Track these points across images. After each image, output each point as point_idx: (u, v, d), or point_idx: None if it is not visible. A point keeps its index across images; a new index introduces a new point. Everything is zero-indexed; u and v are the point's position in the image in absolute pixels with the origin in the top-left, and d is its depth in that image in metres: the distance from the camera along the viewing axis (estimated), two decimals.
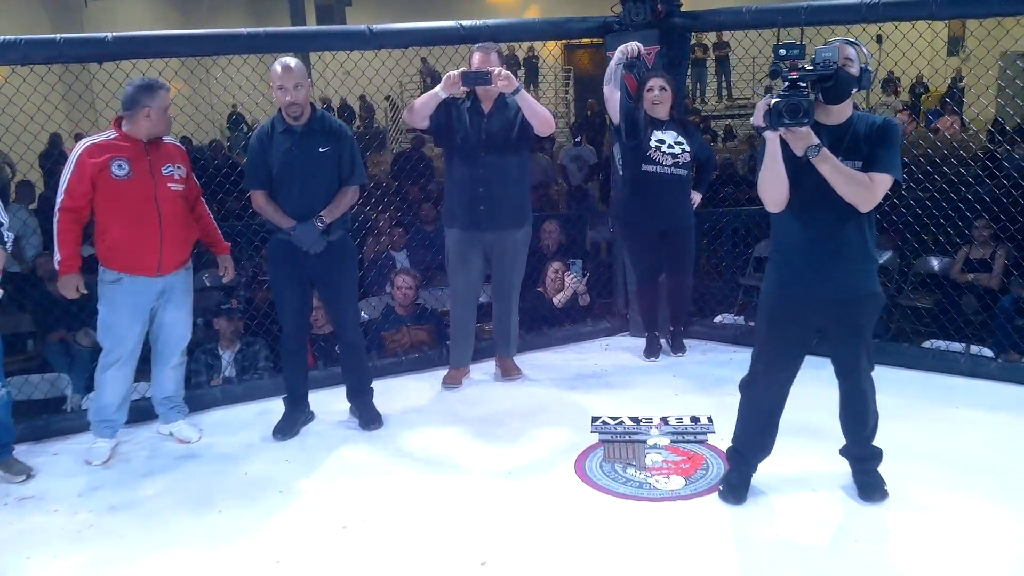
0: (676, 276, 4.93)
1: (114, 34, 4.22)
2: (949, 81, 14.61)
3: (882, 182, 2.75)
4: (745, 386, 3.12)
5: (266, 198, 3.90)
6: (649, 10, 4.85)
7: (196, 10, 19.34)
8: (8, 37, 4.09)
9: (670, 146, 4.66)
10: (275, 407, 4.18)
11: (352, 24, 18.94)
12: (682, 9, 5.05)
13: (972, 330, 5.57)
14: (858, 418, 3.06)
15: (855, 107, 2.88)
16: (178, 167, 3.85)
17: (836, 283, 2.86)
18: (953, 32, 14.35)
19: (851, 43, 2.79)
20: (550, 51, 18.33)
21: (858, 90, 2.80)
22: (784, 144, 2.73)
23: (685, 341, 5.11)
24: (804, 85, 2.65)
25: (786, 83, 2.65)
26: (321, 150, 3.87)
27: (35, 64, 4.25)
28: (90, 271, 3.86)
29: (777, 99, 2.63)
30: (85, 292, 3.77)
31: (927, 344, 5.03)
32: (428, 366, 4.90)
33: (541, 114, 4.28)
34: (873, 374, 3.04)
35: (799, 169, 2.76)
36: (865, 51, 2.81)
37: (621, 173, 4.90)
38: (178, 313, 3.93)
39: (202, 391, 4.55)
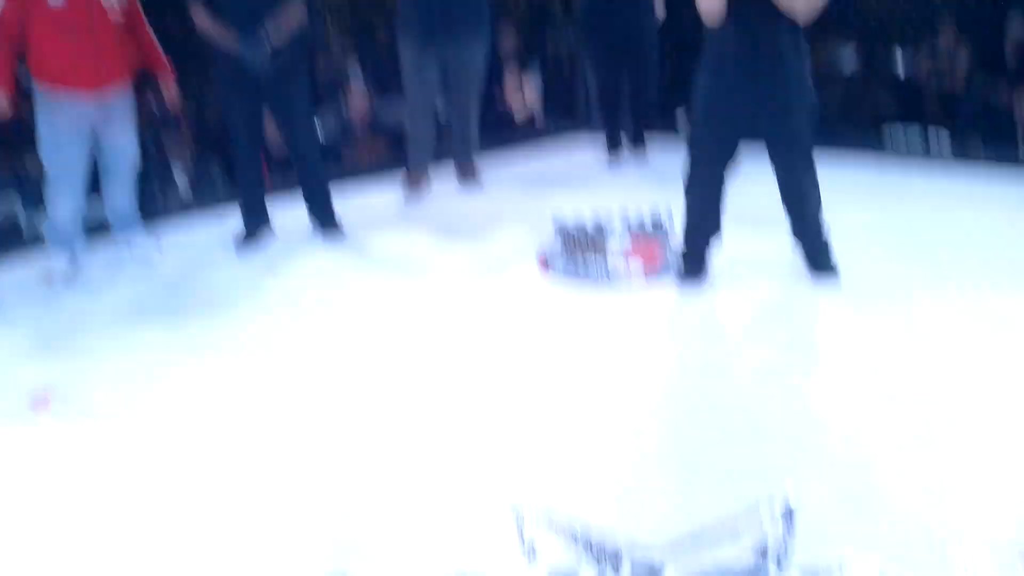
0: (638, 75, 4.85)
1: None
2: None
3: None
4: (687, 190, 3.14)
5: (207, 13, 3.73)
6: None
7: None
8: None
9: None
10: (232, 218, 4.12)
11: None
12: None
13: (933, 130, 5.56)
14: (800, 196, 3.08)
15: None
16: None
17: (771, 83, 2.88)
18: None
19: None
20: None
21: None
22: None
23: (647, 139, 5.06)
24: None
25: None
26: None
27: None
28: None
29: None
30: (12, 114, 3.60)
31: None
32: (388, 179, 4.84)
33: None
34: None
35: None
36: None
37: None
38: (123, 139, 3.80)
39: (156, 204, 4.48)
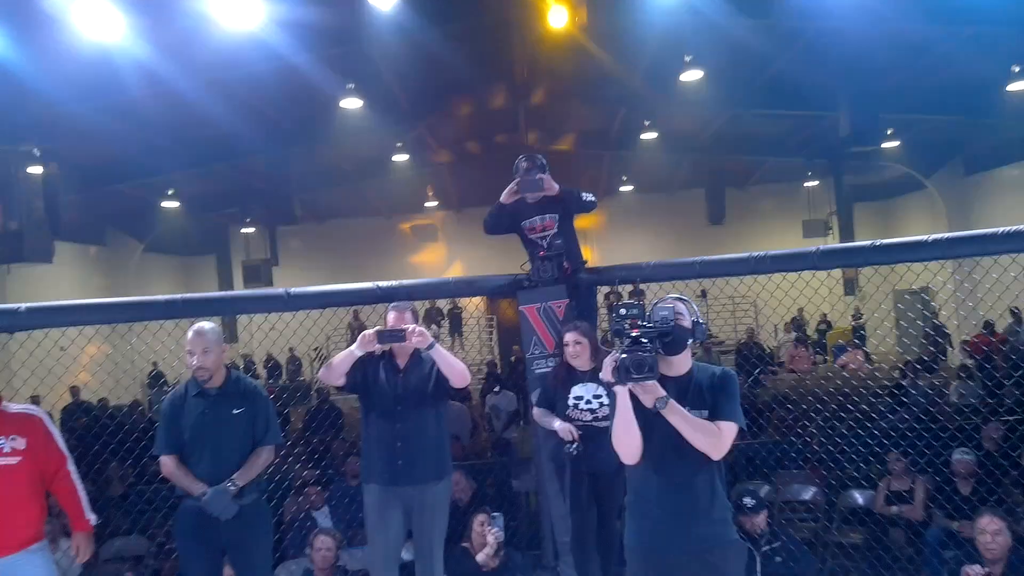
0: (606, 519, 4.86)
1: (28, 305, 4.26)
2: (851, 318, 15.61)
3: (729, 430, 2.91)
4: None
5: (176, 463, 3.83)
6: (556, 267, 5.13)
7: (123, 271, 19.65)
8: None
9: (587, 402, 4.73)
10: None
11: (278, 283, 19.53)
12: (587, 266, 5.37)
13: (902, 565, 5.55)
14: None
15: (693, 356, 3.08)
16: (13, 439, 3.64)
17: (695, 535, 2.92)
18: (847, 275, 15.50)
19: (681, 299, 3.05)
20: (472, 302, 19.03)
21: (693, 341, 3.00)
22: (634, 397, 2.87)
23: None
24: (646, 341, 2.81)
25: (628, 340, 2.82)
26: (235, 412, 3.87)
27: None
28: None
29: (623, 355, 2.79)
30: None
31: None
32: None
33: (456, 367, 4.37)
34: None
35: (650, 422, 2.89)
36: (694, 305, 3.06)
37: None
38: None
39: None
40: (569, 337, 4.79)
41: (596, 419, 4.71)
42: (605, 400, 4.73)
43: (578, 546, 4.97)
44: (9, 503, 3.58)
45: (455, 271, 22.11)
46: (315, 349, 15.54)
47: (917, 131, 16.41)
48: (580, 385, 4.77)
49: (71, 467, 3.84)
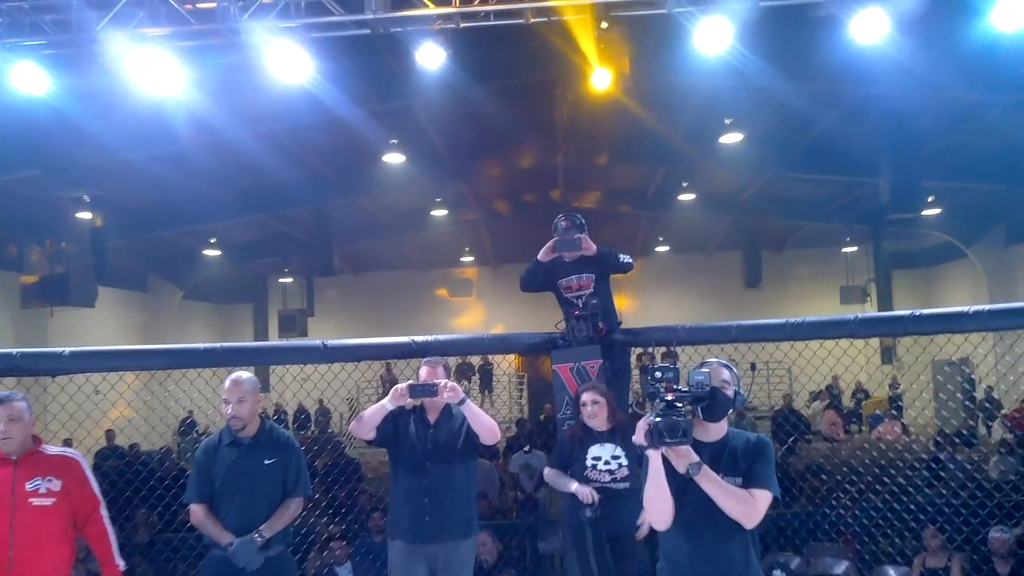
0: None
1: (71, 349, 4.34)
2: (888, 387, 15.32)
3: (762, 498, 2.88)
4: None
5: (206, 512, 3.85)
6: (591, 327, 5.12)
7: (162, 317, 19.95)
8: None
9: (606, 462, 4.70)
10: None
11: (313, 333, 19.69)
12: (622, 327, 5.36)
13: None
14: None
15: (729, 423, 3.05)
16: (50, 480, 3.68)
17: None
18: (884, 343, 15.28)
19: (726, 366, 3.02)
20: (506, 359, 19.02)
21: (733, 409, 2.97)
22: (667, 462, 2.84)
23: None
24: (680, 405, 2.80)
25: (663, 403, 2.80)
26: (266, 462, 3.89)
27: None
28: None
29: (657, 419, 2.77)
30: None
31: None
32: None
33: (486, 424, 4.37)
34: None
35: (682, 487, 2.86)
36: (737, 373, 3.02)
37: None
38: None
39: None
40: (587, 397, 4.77)
41: (615, 480, 4.67)
42: (624, 461, 4.69)
43: None
44: (42, 543, 3.62)
45: (489, 327, 22.12)
46: (347, 400, 15.58)
47: (959, 199, 16.26)
48: (598, 445, 4.74)
49: (103, 511, 3.88)
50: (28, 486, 3.62)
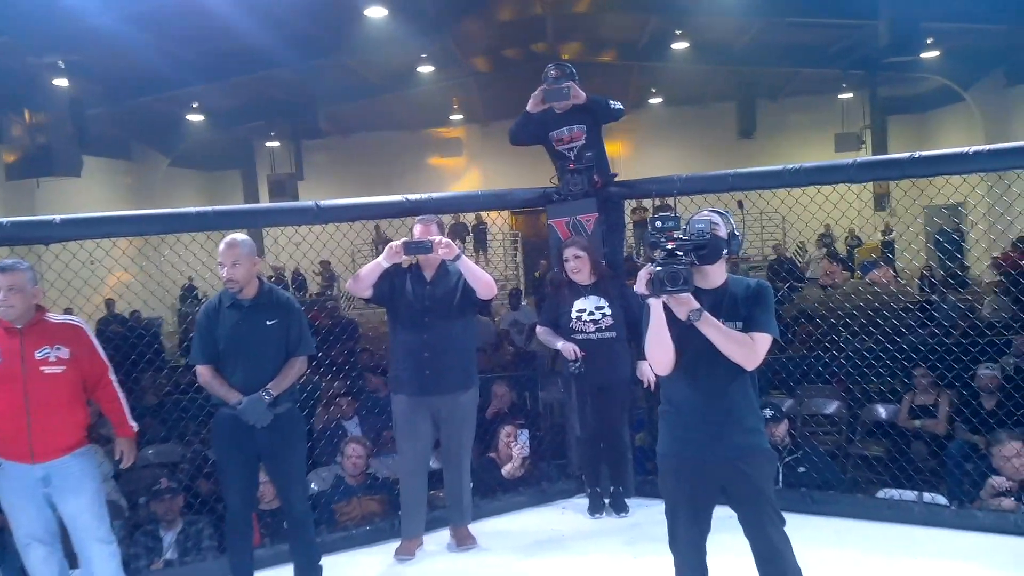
0: (609, 433, 4.93)
1: (62, 216, 4.29)
2: (880, 234, 15.38)
3: (763, 341, 2.92)
4: (672, 545, 3.10)
5: (212, 372, 3.90)
6: (586, 181, 5.07)
7: (149, 185, 19.73)
8: None
9: (590, 313, 4.80)
10: None
11: (304, 197, 19.53)
12: (617, 179, 5.30)
13: (924, 476, 5.61)
14: (773, 557, 3.00)
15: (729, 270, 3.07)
16: (58, 348, 3.70)
17: (728, 443, 2.95)
18: (877, 190, 15.25)
19: (718, 212, 3.03)
20: (499, 220, 18.97)
21: (728, 253, 2.99)
22: (668, 309, 2.87)
23: (634, 499, 5.03)
24: (681, 254, 2.81)
25: (663, 252, 2.81)
26: (268, 323, 3.91)
27: None
28: None
29: (658, 268, 2.78)
30: None
31: (881, 494, 5.03)
32: (380, 538, 4.73)
33: (483, 279, 4.40)
34: (786, 529, 3.02)
35: (683, 333, 2.89)
36: (731, 218, 3.03)
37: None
38: (78, 501, 3.69)
39: (140, 564, 4.34)
40: (568, 252, 4.83)
41: (599, 330, 4.78)
42: (608, 311, 4.80)
43: (587, 461, 5.07)
44: (56, 410, 3.67)
45: (480, 186, 21.98)
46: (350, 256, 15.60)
47: (958, 40, 15.86)
48: (582, 299, 4.83)
49: (112, 376, 3.93)
50: (37, 355, 3.65)
